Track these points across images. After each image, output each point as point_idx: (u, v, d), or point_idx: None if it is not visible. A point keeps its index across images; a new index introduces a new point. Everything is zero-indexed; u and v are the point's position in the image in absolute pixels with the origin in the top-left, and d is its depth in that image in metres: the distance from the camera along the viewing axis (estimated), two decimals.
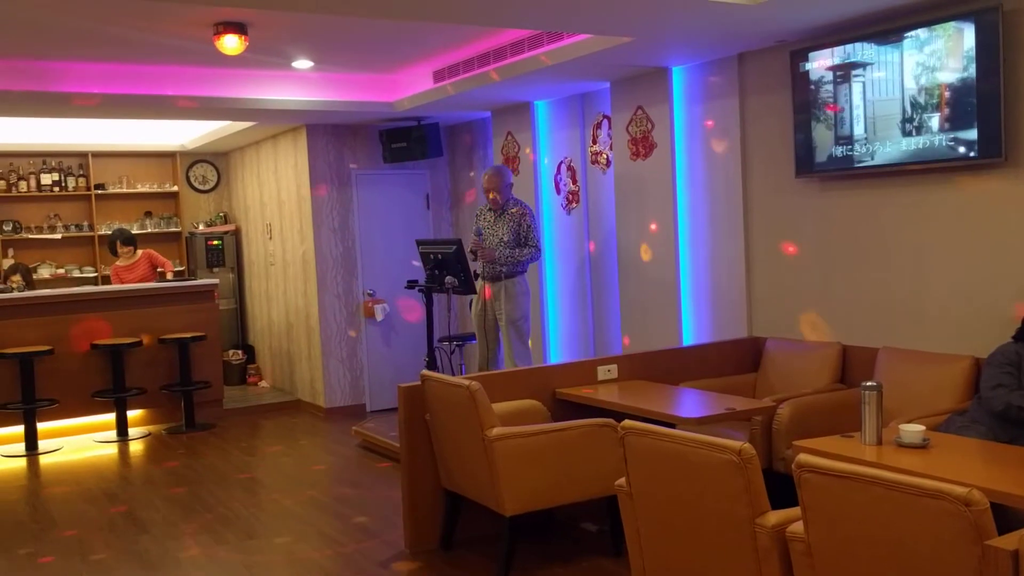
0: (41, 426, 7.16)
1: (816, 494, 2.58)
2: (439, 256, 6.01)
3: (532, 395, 4.67)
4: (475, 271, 6.23)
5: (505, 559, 4.07)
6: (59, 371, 7.27)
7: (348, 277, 8.17)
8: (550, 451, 4.11)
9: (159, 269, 8.34)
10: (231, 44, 5.19)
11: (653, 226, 6.06)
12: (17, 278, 8.01)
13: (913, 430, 3.35)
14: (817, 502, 2.58)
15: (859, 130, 4.68)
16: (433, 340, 6.16)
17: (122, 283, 8.06)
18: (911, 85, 4.41)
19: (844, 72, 4.72)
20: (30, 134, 8.78)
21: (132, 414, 7.59)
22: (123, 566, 4.49)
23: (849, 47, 4.67)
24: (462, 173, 8.45)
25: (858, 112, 4.68)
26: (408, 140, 7.78)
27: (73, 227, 9.38)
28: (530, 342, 6.43)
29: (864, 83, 4.63)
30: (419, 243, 6.35)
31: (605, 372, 4.96)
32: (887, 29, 4.49)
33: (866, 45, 4.59)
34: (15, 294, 7.34)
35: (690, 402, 4.54)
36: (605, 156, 6.59)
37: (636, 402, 4.39)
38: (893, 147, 4.54)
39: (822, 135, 4.88)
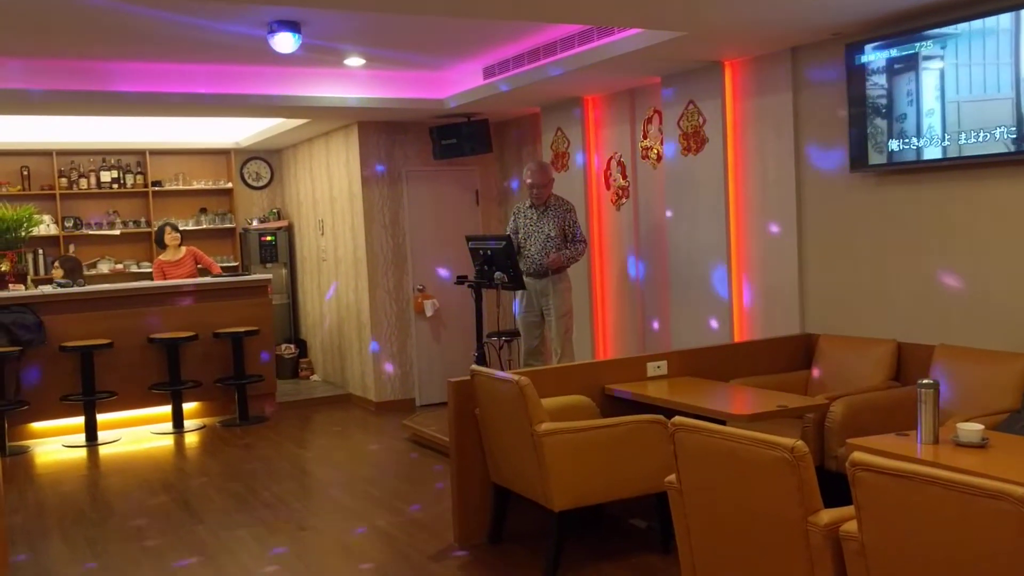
0: (101, 417, 7.34)
1: (871, 493, 2.53)
2: (488, 252, 6.03)
3: (581, 391, 4.66)
4: None
5: (553, 554, 4.07)
6: (118, 364, 7.45)
7: (399, 273, 8.23)
8: (599, 447, 4.10)
9: (199, 266, 8.46)
10: (285, 42, 5.26)
11: (705, 222, 6.01)
12: (56, 265, 8.20)
13: (971, 429, 3.28)
14: (872, 501, 2.54)
15: (916, 123, 4.59)
16: (482, 335, 6.19)
17: (165, 278, 8.19)
18: (971, 76, 4.31)
19: (902, 63, 4.62)
20: (90, 133, 9.00)
21: (187, 406, 7.74)
22: (179, 555, 4.59)
23: (907, 37, 4.58)
24: (511, 169, 8.46)
25: (915, 104, 4.58)
26: (458, 136, 7.81)
27: (131, 223, 9.60)
28: (578, 338, 6.43)
29: (923, 74, 4.53)
30: (469, 239, 6.37)
31: (655, 368, 4.93)
32: (953, 18, 4.39)
33: (926, 34, 4.49)
34: (74, 289, 7.52)
35: (741, 399, 4.50)
36: (656, 151, 6.54)
37: (686, 398, 4.36)
38: (952, 141, 4.44)
39: (878, 129, 4.78)
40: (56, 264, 8.24)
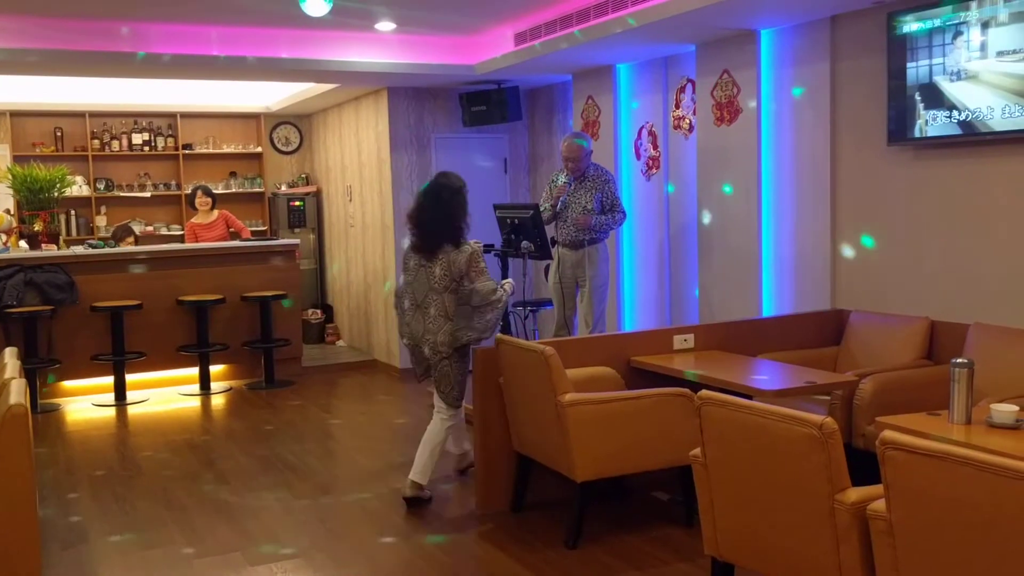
0: (129, 377, 7.43)
1: (900, 472, 2.49)
2: (516, 221, 5.99)
3: (607, 362, 4.63)
4: (552, 238, 6.19)
5: (575, 524, 4.07)
6: (147, 325, 7.52)
7: None
8: (623, 419, 4.08)
9: (231, 230, 8.51)
10: (317, 6, 5.21)
11: (736, 194, 5.92)
12: (131, 240, 8.36)
13: (1006, 410, 3.21)
14: (901, 481, 2.50)
15: (958, 97, 4.47)
16: (508, 305, 6.15)
17: (197, 240, 8.25)
18: (1018, 48, 4.18)
19: (945, 34, 4.50)
20: (122, 95, 9.03)
21: (215, 369, 7.81)
22: (204, 515, 4.64)
23: (952, 7, 4.45)
24: (541, 137, 8.38)
25: (958, 77, 4.46)
26: (488, 103, 7.74)
27: (162, 186, 9.65)
28: (606, 309, 6.38)
29: (967, 46, 4.40)
30: (496, 207, 6.32)
31: (681, 341, 4.89)
32: None
33: (971, 4, 4.36)
34: (106, 250, 7.59)
35: (769, 374, 4.44)
36: (688, 121, 6.45)
37: (713, 372, 4.31)
38: (994, 116, 4.32)
39: (918, 102, 4.67)
40: (131, 237, 8.43)
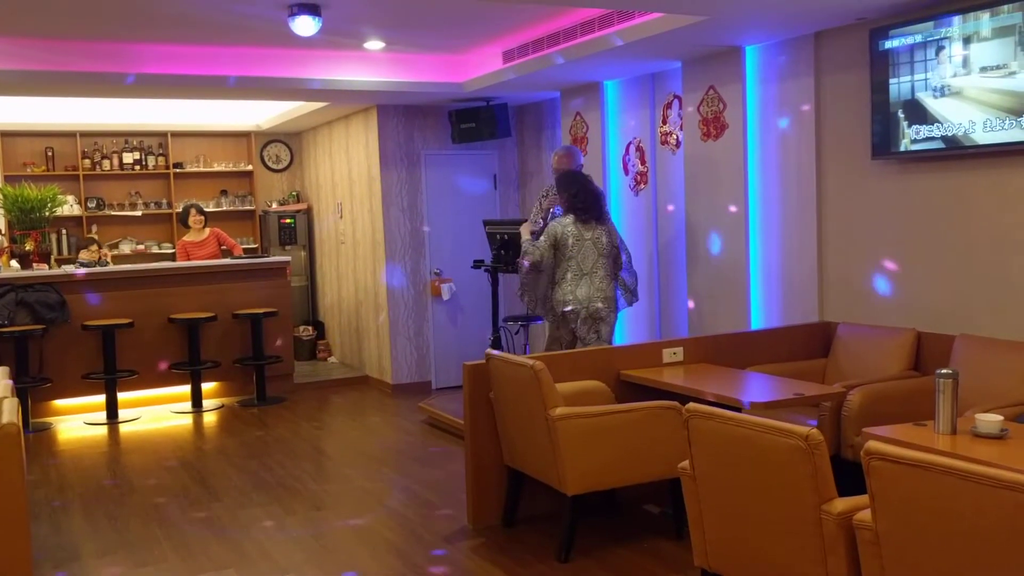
0: (121, 396, 7.42)
1: (886, 482, 2.52)
2: (506, 236, 6.03)
3: (596, 376, 4.66)
4: None
5: (566, 538, 4.09)
6: (138, 343, 7.52)
7: (416, 256, 8.25)
8: (614, 432, 4.10)
9: (223, 247, 8.53)
10: (305, 25, 5.26)
11: (723, 208, 5.97)
12: (95, 247, 8.31)
13: (991, 420, 3.25)
14: (887, 491, 2.53)
15: (940, 111, 4.53)
16: (498, 319, 6.19)
17: (188, 259, 8.27)
18: (998, 63, 4.25)
19: (927, 49, 4.56)
20: (113, 114, 9.05)
21: (206, 386, 7.81)
22: (197, 532, 4.64)
23: (933, 23, 4.52)
24: (530, 154, 8.44)
25: (940, 92, 4.52)
26: (477, 120, 7.79)
27: (153, 204, 9.66)
28: None
29: (948, 61, 4.47)
30: (486, 223, 6.36)
31: (671, 355, 4.92)
32: (978, 4, 4.33)
33: (952, 20, 4.43)
34: (98, 268, 7.60)
35: (757, 386, 4.48)
36: (675, 137, 6.51)
37: (702, 385, 4.35)
38: (976, 129, 4.38)
39: (901, 116, 4.73)
40: (95, 246, 8.39)
